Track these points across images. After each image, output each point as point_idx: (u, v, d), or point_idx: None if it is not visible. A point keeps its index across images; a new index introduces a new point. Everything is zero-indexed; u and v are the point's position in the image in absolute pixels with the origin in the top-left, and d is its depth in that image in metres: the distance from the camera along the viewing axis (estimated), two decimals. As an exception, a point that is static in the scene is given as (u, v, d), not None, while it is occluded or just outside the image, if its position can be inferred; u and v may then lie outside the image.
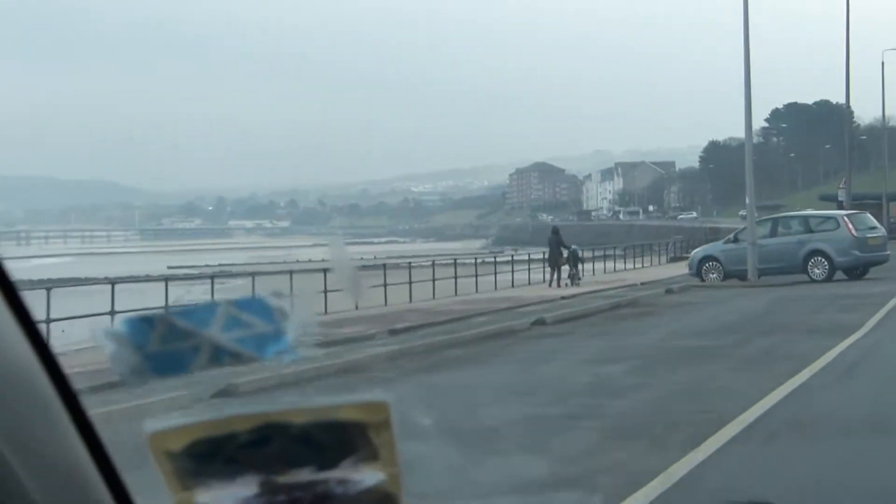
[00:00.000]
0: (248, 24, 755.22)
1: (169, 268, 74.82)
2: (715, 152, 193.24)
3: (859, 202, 59.48)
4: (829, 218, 38.29)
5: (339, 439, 1.49)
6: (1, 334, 1.49)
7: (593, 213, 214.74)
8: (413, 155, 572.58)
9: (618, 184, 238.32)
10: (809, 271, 35.82)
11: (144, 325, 1.66)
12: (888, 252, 37.12)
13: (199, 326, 1.65)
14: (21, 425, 1.49)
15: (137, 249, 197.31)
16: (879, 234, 37.59)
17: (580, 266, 44.38)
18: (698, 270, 37.98)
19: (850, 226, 36.31)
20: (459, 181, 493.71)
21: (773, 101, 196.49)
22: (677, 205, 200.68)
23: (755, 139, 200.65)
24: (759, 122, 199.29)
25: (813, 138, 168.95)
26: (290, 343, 1.68)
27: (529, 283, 44.76)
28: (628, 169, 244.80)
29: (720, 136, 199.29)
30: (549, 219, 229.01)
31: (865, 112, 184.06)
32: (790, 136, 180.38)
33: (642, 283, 39.66)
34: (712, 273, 37.66)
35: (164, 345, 1.66)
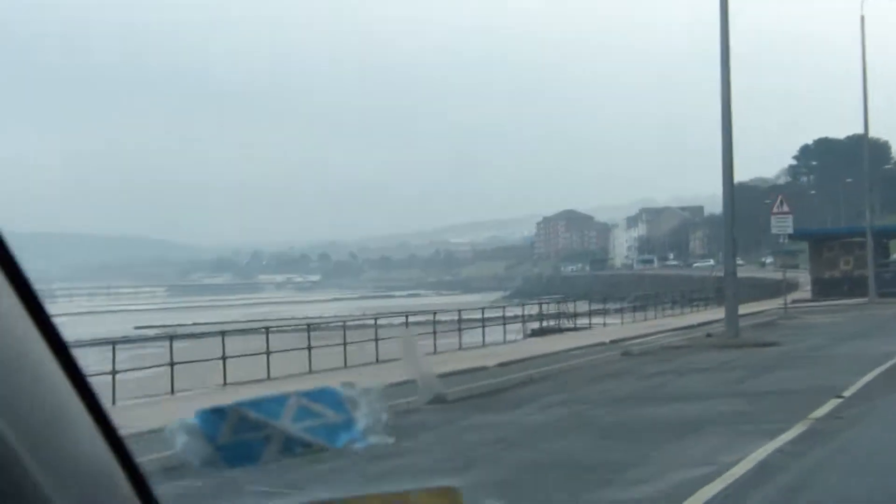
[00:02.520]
0: (284, 76, 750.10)
1: (136, 328, 77.09)
2: (741, 194, 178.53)
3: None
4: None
5: None
6: (18, 335, 1.49)
7: (608, 262, 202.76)
8: (455, 207, 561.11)
9: (641, 230, 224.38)
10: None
11: (216, 416, 1.76)
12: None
13: (271, 417, 1.75)
14: (40, 425, 1.50)
15: (154, 306, 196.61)
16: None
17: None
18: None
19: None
20: (499, 232, 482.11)
21: (805, 135, 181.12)
22: (701, 252, 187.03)
23: (783, 179, 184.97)
24: (787, 159, 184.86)
25: (844, 175, 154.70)
26: (362, 431, 1.85)
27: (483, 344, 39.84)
28: (653, 215, 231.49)
29: (748, 177, 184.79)
30: (570, 269, 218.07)
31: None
32: (820, 172, 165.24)
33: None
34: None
35: (235, 435, 1.75)
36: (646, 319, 53.97)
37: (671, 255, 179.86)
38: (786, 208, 44.94)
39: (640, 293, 70.33)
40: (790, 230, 45.30)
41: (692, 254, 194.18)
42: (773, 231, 45.41)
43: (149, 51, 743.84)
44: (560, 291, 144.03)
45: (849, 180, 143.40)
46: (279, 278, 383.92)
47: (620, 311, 58.22)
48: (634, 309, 58.54)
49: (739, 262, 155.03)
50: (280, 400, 1.76)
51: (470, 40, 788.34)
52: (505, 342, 40.85)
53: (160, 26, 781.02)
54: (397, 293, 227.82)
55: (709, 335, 32.50)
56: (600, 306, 57.38)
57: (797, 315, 45.16)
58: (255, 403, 1.75)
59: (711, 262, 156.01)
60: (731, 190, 37.48)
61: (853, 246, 56.69)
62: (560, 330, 48.76)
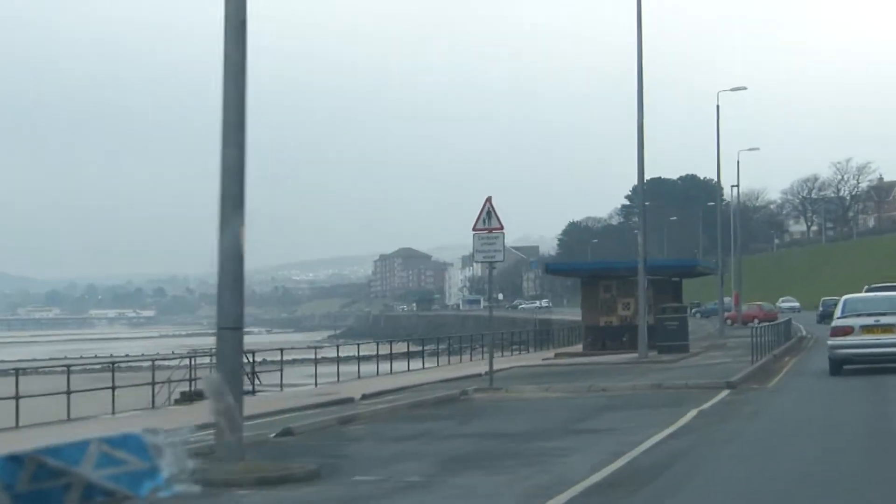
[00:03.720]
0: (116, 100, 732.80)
1: None
2: (575, 234, 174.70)
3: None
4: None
5: None
6: None
7: (434, 303, 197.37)
8: (298, 243, 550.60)
9: (477, 270, 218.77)
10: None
11: (13, 464, 1.69)
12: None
13: (71, 464, 1.70)
14: None
15: None
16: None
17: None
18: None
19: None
20: (342, 269, 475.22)
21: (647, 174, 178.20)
22: (533, 292, 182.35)
23: (616, 219, 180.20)
24: (620, 199, 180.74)
25: (677, 214, 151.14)
26: (167, 479, 1.81)
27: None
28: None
29: (581, 216, 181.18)
30: (401, 308, 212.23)
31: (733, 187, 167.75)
32: (653, 212, 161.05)
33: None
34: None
35: (34, 484, 1.69)
36: (437, 366, 49.32)
37: (500, 296, 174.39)
38: (497, 222, 28.71)
39: (443, 336, 67.22)
40: (499, 256, 29.23)
41: (525, 294, 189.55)
42: (477, 260, 29.88)
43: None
44: (384, 332, 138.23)
45: (673, 218, 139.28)
46: (111, 313, 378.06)
47: (420, 354, 55.20)
48: (439, 352, 55.86)
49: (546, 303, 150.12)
50: (81, 446, 1.68)
51: (314, 73, 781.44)
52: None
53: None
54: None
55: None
56: (402, 349, 53.09)
57: (510, 386, 29.10)
58: (55, 450, 1.68)
59: (544, 302, 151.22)
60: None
61: (635, 286, 45.20)
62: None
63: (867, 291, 38.94)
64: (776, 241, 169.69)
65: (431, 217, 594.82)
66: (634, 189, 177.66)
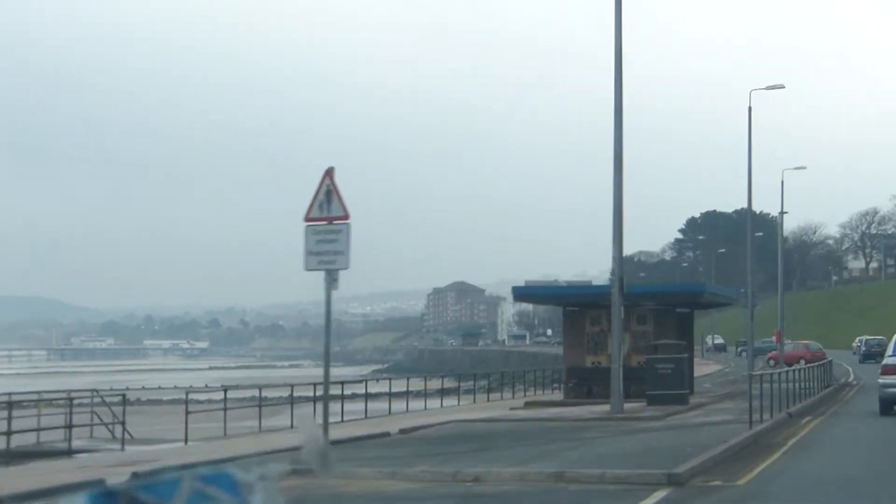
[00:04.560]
0: (177, 140, 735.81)
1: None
2: (628, 268, 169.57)
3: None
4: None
5: None
6: None
7: (480, 337, 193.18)
8: (357, 275, 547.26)
9: (526, 305, 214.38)
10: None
11: (107, 499, 1.69)
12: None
13: (163, 499, 1.71)
14: None
15: (22, 370, 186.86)
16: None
17: None
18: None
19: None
20: (402, 303, 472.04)
21: (695, 208, 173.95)
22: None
23: (668, 253, 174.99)
24: (674, 233, 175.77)
25: (733, 249, 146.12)
26: None
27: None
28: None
29: (632, 251, 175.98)
30: (450, 343, 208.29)
31: (789, 221, 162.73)
32: (708, 247, 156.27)
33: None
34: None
35: None
36: (474, 402, 47.15)
37: (549, 332, 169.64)
38: (340, 207, 19.66)
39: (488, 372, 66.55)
40: (342, 262, 19.75)
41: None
42: (309, 267, 20.37)
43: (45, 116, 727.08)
44: (428, 366, 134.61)
45: (721, 250, 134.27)
46: (165, 344, 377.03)
47: (457, 390, 53.68)
48: (489, 388, 53.76)
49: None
50: (173, 483, 1.73)
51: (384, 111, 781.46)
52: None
53: (66, 94, 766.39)
54: (279, 363, 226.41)
55: None
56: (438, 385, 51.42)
57: (349, 466, 18.79)
58: (148, 486, 1.70)
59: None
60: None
61: (633, 318, 38.71)
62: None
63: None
64: (834, 277, 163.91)
65: (488, 251, 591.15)
66: (689, 222, 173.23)
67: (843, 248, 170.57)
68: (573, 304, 41.05)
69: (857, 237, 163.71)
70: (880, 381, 31.13)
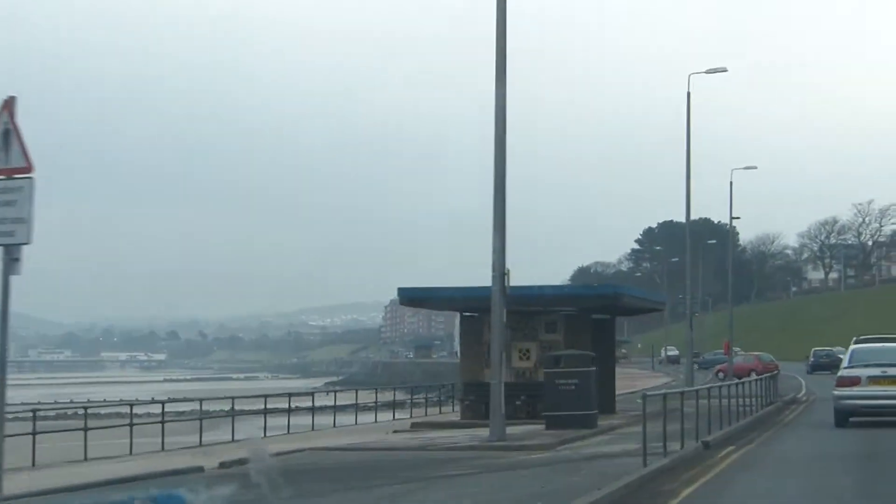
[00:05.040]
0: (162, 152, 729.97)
1: None
2: (584, 279, 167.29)
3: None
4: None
5: None
6: None
7: (435, 351, 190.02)
8: (316, 288, 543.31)
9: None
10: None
11: None
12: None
13: None
14: None
15: None
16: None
17: None
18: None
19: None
20: (361, 315, 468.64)
21: (652, 219, 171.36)
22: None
23: (625, 264, 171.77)
24: (630, 243, 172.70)
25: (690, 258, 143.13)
26: None
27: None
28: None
29: (588, 261, 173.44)
30: (406, 355, 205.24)
31: (747, 232, 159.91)
32: (664, 257, 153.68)
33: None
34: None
35: None
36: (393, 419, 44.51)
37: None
38: (21, 157, 13.27)
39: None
40: (23, 234, 13.10)
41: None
42: None
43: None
44: (380, 379, 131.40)
45: (674, 259, 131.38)
46: (123, 356, 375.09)
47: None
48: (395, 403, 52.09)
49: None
50: (126, 503, 1.86)
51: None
52: None
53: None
54: (235, 376, 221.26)
55: None
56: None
57: None
58: None
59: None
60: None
61: (543, 325, 34.30)
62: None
63: (855, 344, 32.00)
64: (794, 288, 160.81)
65: (445, 262, 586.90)
66: (646, 232, 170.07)
67: (803, 257, 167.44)
68: (469, 309, 35.87)
69: (816, 247, 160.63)
70: (835, 392, 30.40)
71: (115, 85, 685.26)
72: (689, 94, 50.65)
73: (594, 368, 30.26)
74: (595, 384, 30.16)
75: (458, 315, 38.99)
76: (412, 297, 39.41)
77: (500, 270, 25.96)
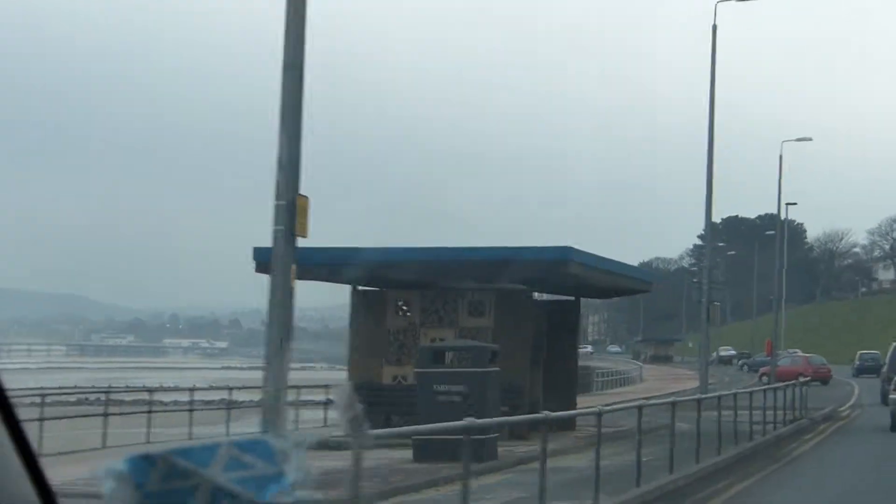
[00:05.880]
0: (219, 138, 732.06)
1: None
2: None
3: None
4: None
5: None
6: None
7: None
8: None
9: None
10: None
11: (145, 463, 1.76)
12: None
13: (200, 466, 1.76)
14: None
15: (38, 365, 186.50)
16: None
17: None
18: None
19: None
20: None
21: (720, 212, 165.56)
22: (597, 337, 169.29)
23: (687, 260, 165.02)
24: (692, 239, 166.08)
25: (754, 257, 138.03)
26: (290, 485, 1.81)
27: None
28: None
29: (649, 257, 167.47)
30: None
31: (814, 228, 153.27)
32: (725, 252, 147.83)
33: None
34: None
35: (164, 483, 1.75)
36: None
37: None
38: None
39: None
40: None
41: (589, 338, 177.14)
42: None
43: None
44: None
45: (731, 253, 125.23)
46: (185, 343, 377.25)
47: None
48: None
49: (616, 348, 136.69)
50: (211, 449, 1.76)
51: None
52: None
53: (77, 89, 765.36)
54: (291, 365, 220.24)
55: None
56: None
57: None
58: (185, 451, 1.76)
59: (589, 348, 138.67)
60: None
61: (470, 302, 25.99)
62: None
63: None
64: (863, 289, 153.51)
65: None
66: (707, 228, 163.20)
67: (874, 255, 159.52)
68: (369, 281, 27.05)
69: (887, 246, 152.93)
70: (893, 395, 32.19)
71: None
72: (714, 26, 41.33)
73: (495, 369, 21.52)
74: (497, 393, 21.45)
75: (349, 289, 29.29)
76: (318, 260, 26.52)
77: (288, 198, 14.73)
